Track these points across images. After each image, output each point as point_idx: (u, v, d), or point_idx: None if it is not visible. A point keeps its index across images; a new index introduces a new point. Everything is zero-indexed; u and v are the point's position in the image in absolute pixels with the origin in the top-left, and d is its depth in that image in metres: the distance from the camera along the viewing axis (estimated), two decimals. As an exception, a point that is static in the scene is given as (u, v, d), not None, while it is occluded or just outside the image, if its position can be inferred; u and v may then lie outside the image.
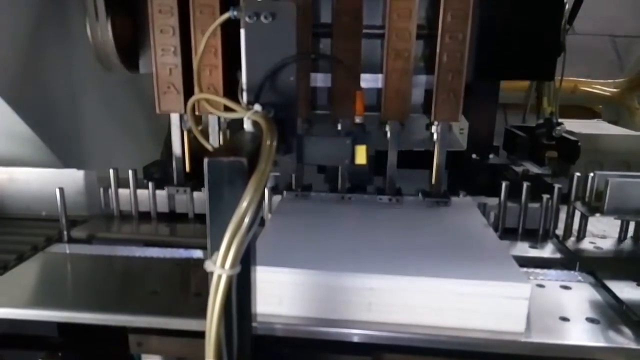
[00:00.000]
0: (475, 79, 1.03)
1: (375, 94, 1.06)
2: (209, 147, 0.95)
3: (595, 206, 0.97)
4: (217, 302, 0.50)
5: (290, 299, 0.71)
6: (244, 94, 0.77)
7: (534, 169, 1.28)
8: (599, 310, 0.76)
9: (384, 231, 0.89)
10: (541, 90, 1.44)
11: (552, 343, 0.68)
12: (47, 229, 1.05)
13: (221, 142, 1.10)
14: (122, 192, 1.14)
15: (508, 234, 1.05)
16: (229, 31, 1.00)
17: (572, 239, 1.04)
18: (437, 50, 0.96)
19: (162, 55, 1.04)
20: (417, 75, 1.02)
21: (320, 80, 1.05)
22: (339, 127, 1.04)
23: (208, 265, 0.50)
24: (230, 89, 1.06)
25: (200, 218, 1.14)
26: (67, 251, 0.98)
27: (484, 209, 1.06)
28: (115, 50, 1.10)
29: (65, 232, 1.02)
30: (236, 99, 0.78)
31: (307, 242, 0.82)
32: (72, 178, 1.13)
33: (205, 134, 1.08)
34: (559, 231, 1.06)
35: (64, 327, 0.87)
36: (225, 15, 0.76)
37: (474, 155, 1.19)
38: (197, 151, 1.10)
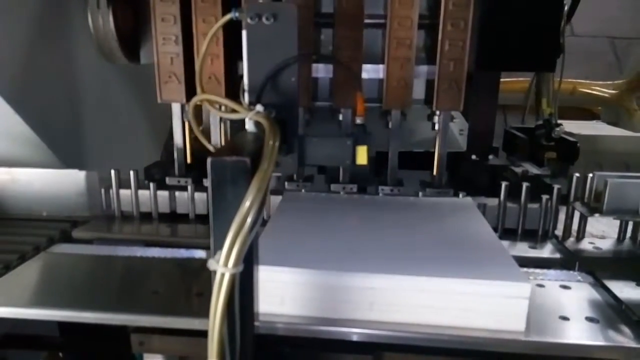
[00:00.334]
0: (476, 70, 1.03)
1: (376, 86, 1.06)
2: (210, 148, 0.96)
3: (594, 207, 0.98)
4: (220, 300, 0.50)
5: (292, 298, 0.71)
6: (246, 95, 0.77)
7: (534, 170, 1.29)
8: (598, 309, 0.77)
9: (385, 231, 0.90)
10: (540, 91, 1.44)
11: (552, 342, 0.68)
12: (49, 229, 1.05)
13: (223, 141, 1.11)
14: (124, 192, 1.14)
15: (508, 234, 1.06)
16: (231, 20, 1.00)
17: (572, 239, 1.04)
18: (439, 38, 0.96)
19: (164, 44, 1.04)
20: (418, 65, 1.03)
21: (321, 70, 1.05)
22: (340, 118, 1.04)
23: (211, 264, 0.51)
24: (232, 79, 1.06)
25: (201, 219, 1.14)
26: (69, 251, 0.98)
27: (483, 210, 1.06)
28: (117, 40, 1.10)
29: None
30: (237, 90, 0.78)
31: (308, 241, 0.83)
32: (73, 179, 1.14)
33: (206, 133, 1.08)
34: (559, 232, 1.07)
35: (65, 327, 0.88)
36: (227, 17, 0.77)
37: (473, 156, 1.20)
38: (199, 143, 1.11)
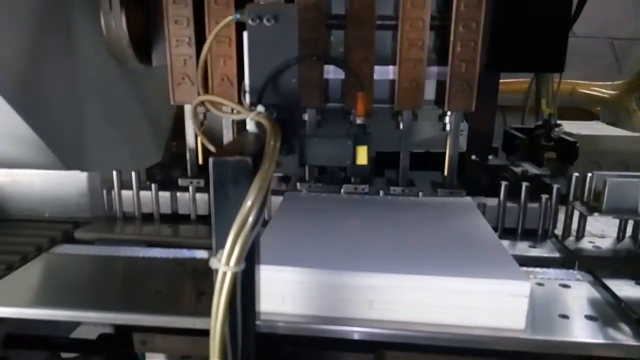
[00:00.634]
0: (485, 70, 1.03)
1: (386, 87, 1.06)
2: (211, 148, 0.96)
3: (593, 206, 0.98)
4: (221, 299, 0.50)
5: (293, 297, 0.71)
6: (247, 95, 0.78)
7: (533, 170, 1.30)
8: (597, 308, 0.77)
9: (386, 230, 0.90)
10: (540, 92, 1.44)
11: (552, 340, 0.69)
12: (51, 230, 1.06)
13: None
14: (125, 193, 1.15)
15: (507, 234, 1.06)
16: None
17: (571, 238, 1.05)
18: (451, 39, 0.97)
19: (177, 46, 1.05)
20: (429, 66, 1.03)
21: (332, 72, 1.05)
22: (352, 119, 1.05)
23: (213, 263, 0.51)
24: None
25: (202, 219, 1.15)
26: (71, 252, 0.99)
27: (483, 209, 1.07)
28: (129, 42, 1.10)
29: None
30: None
31: (309, 241, 0.83)
32: (75, 180, 1.14)
33: (208, 134, 1.09)
34: (558, 231, 1.07)
35: (68, 327, 0.88)
36: (228, 19, 0.78)
37: (473, 156, 1.20)
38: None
